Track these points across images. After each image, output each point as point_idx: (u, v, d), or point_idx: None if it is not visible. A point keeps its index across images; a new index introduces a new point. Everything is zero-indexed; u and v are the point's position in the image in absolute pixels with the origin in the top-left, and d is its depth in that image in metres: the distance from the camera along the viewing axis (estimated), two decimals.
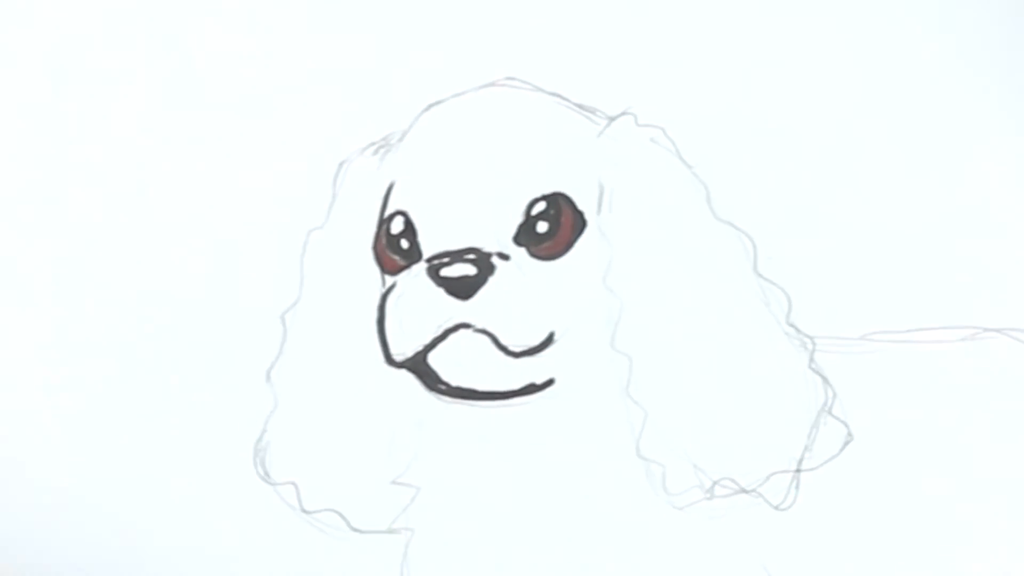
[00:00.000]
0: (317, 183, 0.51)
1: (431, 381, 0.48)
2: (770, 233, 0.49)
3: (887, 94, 0.50)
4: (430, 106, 0.50)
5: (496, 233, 0.47)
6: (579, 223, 0.48)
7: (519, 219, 0.48)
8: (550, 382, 0.48)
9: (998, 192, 0.49)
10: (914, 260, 0.49)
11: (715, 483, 0.47)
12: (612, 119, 0.49)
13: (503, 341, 0.47)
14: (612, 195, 0.48)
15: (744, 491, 0.47)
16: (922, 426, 0.47)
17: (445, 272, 0.46)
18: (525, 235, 0.47)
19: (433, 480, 0.49)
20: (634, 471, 0.47)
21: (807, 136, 0.50)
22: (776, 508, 0.47)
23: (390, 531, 0.49)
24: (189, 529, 0.51)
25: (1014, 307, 0.49)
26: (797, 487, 0.47)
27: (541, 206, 0.48)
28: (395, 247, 0.48)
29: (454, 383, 0.48)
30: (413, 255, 0.48)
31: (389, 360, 0.48)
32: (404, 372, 0.48)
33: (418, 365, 0.48)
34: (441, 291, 0.46)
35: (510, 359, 0.47)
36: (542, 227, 0.48)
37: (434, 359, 0.47)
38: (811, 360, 0.47)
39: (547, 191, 0.48)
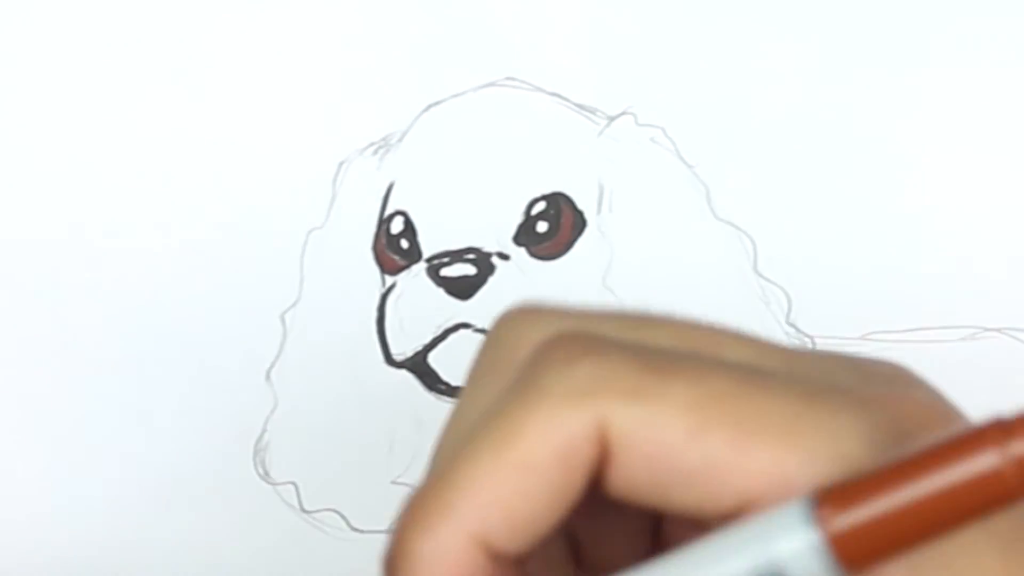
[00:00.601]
0: (317, 183, 0.51)
1: (431, 381, 0.48)
2: (770, 233, 0.49)
3: (888, 94, 0.50)
4: (430, 106, 0.50)
5: (496, 233, 0.47)
6: (579, 223, 0.48)
7: (519, 219, 0.48)
8: None
9: (998, 192, 0.49)
10: (914, 260, 0.49)
11: None
12: (612, 119, 0.49)
13: None
14: (612, 195, 0.48)
15: None
16: None
17: (445, 272, 0.46)
18: (525, 235, 0.47)
19: None
20: None
21: (808, 136, 0.50)
22: None
23: (390, 531, 0.49)
24: (188, 529, 0.51)
25: (1014, 307, 0.49)
26: None
27: (541, 206, 0.48)
28: (395, 247, 0.48)
29: (454, 383, 0.48)
30: (413, 255, 0.48)
31: (389, 360, 0.48)
32: (404, 372, 0.48)
33: (418, 365, 0.48)
34: (441, 291, 0.46)
35: None
36: (542, 227, 0.48)
37: (434, 359, 0.47)
38: None
39: (547, 191, 0.48)
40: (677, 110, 0.50)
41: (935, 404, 0.25)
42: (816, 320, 0.48)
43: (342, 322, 0.49)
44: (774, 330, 0.48)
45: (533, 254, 0.47)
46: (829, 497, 0.21)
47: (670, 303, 0.48)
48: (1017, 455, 0.20)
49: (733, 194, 0.49)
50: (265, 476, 0.50)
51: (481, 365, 0.25)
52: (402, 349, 0.47)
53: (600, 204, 0.48)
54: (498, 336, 0.25)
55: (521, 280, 0.47)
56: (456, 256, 0.47)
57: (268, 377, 0.50)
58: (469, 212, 0.48)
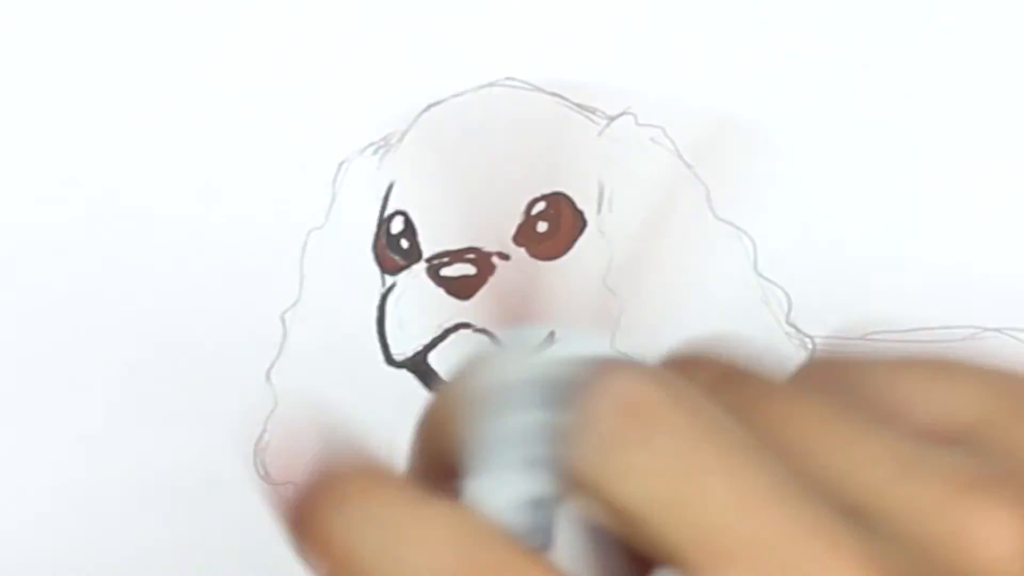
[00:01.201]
0: (317, 183, 0.51)
1: (431, 381, 0.48)
2: (770, 233, 0.49)
3: (889, 94, 0.50)
4: (430, 106, 0.50)
5: (496, 233, 0.47)
6: (579, 223, 0.48)
7: (519, 219, 0.48)
8: None
9: (999, 192, 0.49)
10: (914, 260, 0.49)
11: None
12: (612, 119, 0.49)
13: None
14: (612, 195, 0.48)
15: None
16: None
17: (445, 272, 0.46)
18: (525, 235, 0.47)
19: None
20: None
21: (808, 136, 0.50)
22: None
23: None
24: (188, 529, 0.51)
25: (1014, 307, 0.49)
26: None
27: (541, 206, 0.48)
28: (395, 247, 0.48)
29: None
30: (413, 255, 0.48)
31: (389, 360, 0.48)
32: (404, 372, 0.48)
33: (418, 365, 0.48)
34: (441, 291, 0.46)
35: None
36: (542, 227, 0.48)
37: (434, 359, 0.47)
38: None
39: (547, 191, 0.48)
40: (677, 110, 0.50)
41: None
42: (816, 320, 0.48)
43: (342, 322, 0.49)
44: (774, 330, 0.48)
45: (533, 254, 0.47)
46: None
47: (670, 303, 0.48)
48: None
49: (733, 194, 0.49)
50: (265, 476, 0.50)
51: None
52: (402, 349, 0.47)
53: (600, 204, 0.48)
54: None
55: (521, 280, 0.47)
56: (456, 256, 0.47)
57: (268, 377, 0.50)
58: (469, 212, 0.48)
